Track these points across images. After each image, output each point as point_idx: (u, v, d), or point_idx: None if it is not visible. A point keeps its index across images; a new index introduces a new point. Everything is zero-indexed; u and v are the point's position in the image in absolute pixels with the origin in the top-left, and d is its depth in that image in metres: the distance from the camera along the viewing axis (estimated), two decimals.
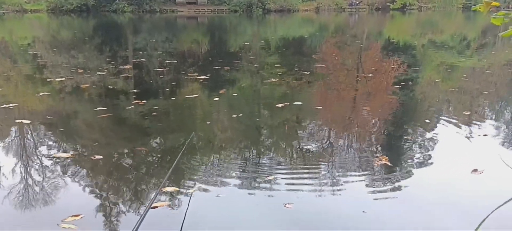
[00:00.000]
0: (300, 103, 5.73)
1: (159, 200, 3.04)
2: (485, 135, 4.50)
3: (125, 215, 2.92)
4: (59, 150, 4.09)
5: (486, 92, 6.65)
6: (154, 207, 2.92)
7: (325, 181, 3.38)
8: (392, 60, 10.17)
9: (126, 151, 4.05)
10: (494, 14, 2.36)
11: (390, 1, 39.50)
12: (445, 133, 4.65)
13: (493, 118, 5.37)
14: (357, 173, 3.54)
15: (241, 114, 5.17)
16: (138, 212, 2.94)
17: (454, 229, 2.67)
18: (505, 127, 4.91)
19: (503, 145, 4.27)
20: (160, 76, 7.78)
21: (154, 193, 3.10)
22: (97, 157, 3.81)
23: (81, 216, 2.83)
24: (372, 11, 37.81)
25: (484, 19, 26.45)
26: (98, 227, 2.76)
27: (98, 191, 3.25)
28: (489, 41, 15.93)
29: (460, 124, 4.91)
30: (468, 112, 5.36)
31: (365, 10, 37.84)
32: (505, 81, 8.04)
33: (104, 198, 3.15)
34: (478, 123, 4.98)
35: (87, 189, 3.29)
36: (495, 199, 2.97)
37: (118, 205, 3.04)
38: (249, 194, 3.17)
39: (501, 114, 5.68)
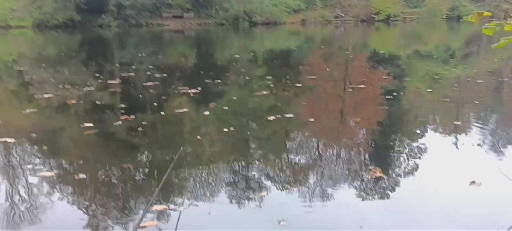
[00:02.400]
0: (291, 115, 5.68)
1: (148, 219, 2.93)
2: (478, 145, 4.50)
3: None
4: (43, 168, 3.94)
5: (476, 102, 6.69)
6: (142, 227, 2.82)
7: (319, 196, 3.31)
8: (379, 71, 10.21)
9: (113, 168, 3.94)
10: (486, 24, 2.35)
11: (375, 13, 39.91)
12: (438, 143, 4.64)
13: (483, 127, 5.38)
14: (352, 187, 3.49)
15: (232, 128, 5.09)
16: None
17: None
18: (495, 136, 4.92)
19: (497, 155, 4.26)
20: (149, 90, 7.68)
21: (143, 212, 3.01)
22: (82, 175, 3.68)
23: None
24: (357, 23, 38.14)
25: (467, 30, 26.87)
26: None
27: (84, 210, 3.13)
28: (472, 51, 16.15)
29: (451, 134, 4.91)
30: (459, 122, 5.37)
31: (350, 22, 38.16)
32: (490, 89, 8.10)
33: (91, 217, 3.03)
34: (469, 132, 4.98)
35: (73, 208, 3.17)
36: (494, 211, 2.95)
37: (105, 225, 2.93)
38: (242, 211, 3.10)
39: (490, 123, 5.69)
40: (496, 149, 4.48)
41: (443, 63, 12.15)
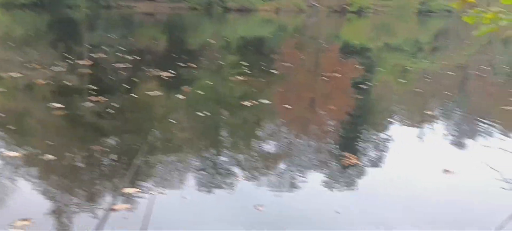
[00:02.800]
0: (266, 101, 5.65)
1: (119, 202, 2.84)
2: (450, 134, 4.59)
3: (81, 219, 2.69)
4: (9, 149, 3.79)
5: (447, 93, 6.83)
6: (113, 210, 2.73)
7: (296, 181, 3.30)
8: (351, 62, 10.30)
9: (82, 150, 3.81)
10: (468, 11, 2.37)
11: (347, 4, 40.19)
12: (410, 132, 4.73)
13: (453, 117, 5.50)
14: (328, 173, 3.49)
15: (207, 113, 5.03)
16: (96, 216, 2.70)
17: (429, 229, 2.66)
18: (465, 126, 5.04)
19: (469, 144, 4.36)
20: (121, 73, 7.48)
21: (114, 195, 2.92)
22: (50, 157, 3.55)
23: (31, 220, 2.60)
24: (330, 13, 38.35)
25: (436, 24, 27.42)
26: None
27: (50, 194, 3.01)
28: (441, 45, 16.49)
29: (423, 124, 4.99)
30: (430, 112, 5.47)
31: (323, 13, 38.32)
32: (460, 82, 8.30)
33: (57, 200, 2.91)
34: (441, 122, 5.09)
35: (39, 191, 3.05)
36: (466, 198, 3.01)
37: (73, 208, 2.81)
38: (217, 196, 3.03)
39: (460, 113, 5.83)
40: (470, 137, 4.59)
41: (412, 56, 12.36)
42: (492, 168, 2.84)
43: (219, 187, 3.17)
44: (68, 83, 6.52)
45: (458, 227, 2.65)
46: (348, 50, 13.52)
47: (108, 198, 2.92)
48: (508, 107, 5.61)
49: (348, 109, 5.72)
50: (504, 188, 3.05)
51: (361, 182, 3.34)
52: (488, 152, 3.65)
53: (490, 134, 4.67)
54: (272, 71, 8.27)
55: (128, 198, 2.91)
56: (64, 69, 7.57)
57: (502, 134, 4.67)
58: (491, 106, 6.38)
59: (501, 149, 3.04)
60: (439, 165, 3.56)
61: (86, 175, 3.34)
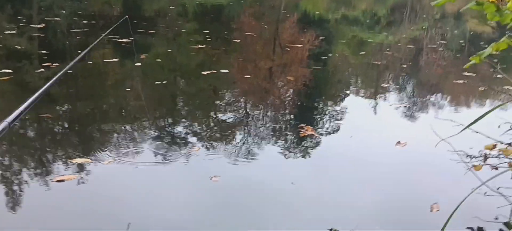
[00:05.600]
0: (226, 71, 5.60)
1: (68, 172, 2.75)
2: (404, 106, 4.72)
3: (28, 190, 2.58)
4: None
5: (403, 66, 7.00)
6: (60, 181, 2.64)
7: (252, 152, 3.29)
8: (309, 33, 10.34)
9: (31, 118, 3.65)
10: None
11: None
12: (366, 104, 4.82)
13: (408, 89, 5.66)
14: (284, 144, 3.51)
15: (165, 81, 4.93)
16: (46, 186, 2.61)
17: (377, 198, 2.72)
18: (420, 98, 5.20)
19: (422, 116, 4.50)
20: (75, 37, 7.19)
21: (63, 165, 2.83)
22: None
23: None
24: None
25: None
26: None
27: None
28: (397, 18, 16.81)
29: (378, 95, 5.11)
30: (386, 84, 5.61)
31: None
32: (412, 55, 8.51)
33: (5, 170, 2.80)
34: (396, 94, 5.22)
35: None
36: (417, 168, 3.12)
37: (21, 178, 2.70)
38: (173, 167, 2.97)
39: (415, 85, 6.01)
40: (422, 110, 4.74)
41: (370, 29, 12.55)
42: (443, 140, 2.94)
43: (174, 157, 3.11)
44: (18, 47, 6.20)
45: (407, 199, 2.75)
46: (307, 21, 13.54)
47: (57, 169, 2.82)
48: (459, 81, 5.82)
49: (306, 80, 5.76)
50: (453, 160, 3.16)
51: (316, 153, 3.38)
52: (439, 124, 3.77)
53: (441, 107, 4.84)
54: (231, 40, 8.19)
55: (79, 168, 2.82)
56: (15, 33, 7.19)
57: (453, 107, 4.86)
58: (444, 80, 6.60)
59: (452, 121, 3.14)
60: (391, 137, 3.65)
61: (35, 145, 3.22)
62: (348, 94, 5.20)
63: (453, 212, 1.87)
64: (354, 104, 4.79)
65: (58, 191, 2.55)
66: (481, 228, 2.36)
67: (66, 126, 3.58)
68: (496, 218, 2.44)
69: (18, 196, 2.52)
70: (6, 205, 2.41)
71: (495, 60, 5.61)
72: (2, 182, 2.64)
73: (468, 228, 2.36)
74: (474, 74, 6.03)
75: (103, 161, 2.94)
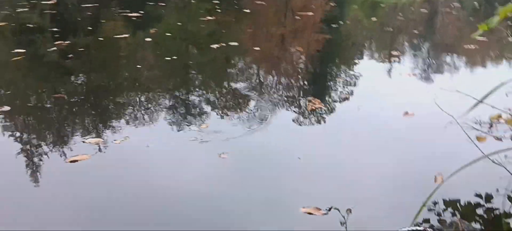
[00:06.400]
0: (235, 44, 5.59)
1: (81, 153, 2.81)
2: (413, 75, 4.68)
3: (42, 171, 2.67)
4: None
5: (414, 31, 6.89)
6: (74, 161, 2.72)
7: (260, 127, 3.34)
8: None
9: (45, 97, 3.75)
10: None
11: None
12: (376, 73, 4.78)
13: (420, 56, 5.58)
14: (291, 118, 3.54)
15: (174, 57, 4.95)
16: (58, 167, 2.70)
17: (381, 170, 2.75)
18: (431, 66, 5.14)
19: (431, 86, 4.46)
20: (86, 13, 7.21)
21: (76, 145, 2.91)
22: (6, 108, 3.45)
23: None
24: None
25: None
26: (10, 187, 2.51)
27: (13, 142, 2.98)
28: None
29: (389, 64, 5.06)
30: (396, 52, 5.54)
31: None
32: (426, 19, 8.34)
33: (22, 149, 2.90)
34: (406, 62, 5.17)
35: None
36: (424, 139, 3.11)
37: (37, 158, 2.80)
38: (182, 143, 3.04)
39: (427, 53, 5.92)
40: (432, 78, 4.69)
41: None
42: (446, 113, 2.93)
43: (182, 133, 3.18)
44: (29, 25, 6.27)
45: (411, 170, 2.78)
46: None
47: (70, 149, 2.90)
48: (470, 46, 5.71)
49: (317, 50, 5.73)
50: (459, 131, 3.15)
51: (324, 127, 3.42)
52: (447, 94, 3.74)
53: (451, 75, 4.79)
54: (242, 9, 8.13)
55: (91, 148, 2.90)
56: (26, 9, 7.26)
57: (463, 74, 4.80)
58: (455, 46, 6.48)
59: (458, 91, 3.11)
60: (400, 107, 3.65)
61: (49, 123, 3.32)
62: (358, 63, 5.17)
63: (449, 177, 1.88)
64: (364, 73, 4.75)
65: (72, 172, 2.65)
66: (488, 194, 2.35)
67: (78, 105, 3.66)
68: (497, 190, 2.45)
69: (35, 176, 2.62)
70: (21, 189, 2.50)
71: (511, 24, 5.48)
72: (16, 166, 2.73)
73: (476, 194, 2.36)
74: (486, 39, 5.88)
75: (115, 137, 3.03)
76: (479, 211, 2.33)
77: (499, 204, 2.33)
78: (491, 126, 3.16)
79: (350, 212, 1.79)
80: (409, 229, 1.77)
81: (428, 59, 5.56)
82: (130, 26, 6.46)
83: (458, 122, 2.90)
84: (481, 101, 2.20)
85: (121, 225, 2.18)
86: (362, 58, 5.46)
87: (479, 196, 2.42)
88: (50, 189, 2.50)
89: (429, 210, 2.27)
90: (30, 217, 2.22)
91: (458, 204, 2.34)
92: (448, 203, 2.33)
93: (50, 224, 2.17)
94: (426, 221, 2.18)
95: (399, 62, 5.21)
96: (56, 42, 5.27)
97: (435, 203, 2.30)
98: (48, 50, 5.06)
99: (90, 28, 6.19)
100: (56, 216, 2.23)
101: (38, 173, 2.64)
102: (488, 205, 2.36)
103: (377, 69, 5.00)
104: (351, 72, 4.79)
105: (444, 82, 4.53)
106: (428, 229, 1.83)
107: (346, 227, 1.76)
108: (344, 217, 1.77)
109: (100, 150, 2.89)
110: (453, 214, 2.27)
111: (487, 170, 2.57)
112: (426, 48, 6.29)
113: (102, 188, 2.49)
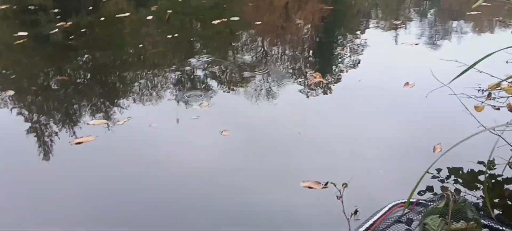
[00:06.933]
0: (237, 18, 5.55)
1: (84, 135, 2.88)
2: (416, 44, 4.64)
3: (46, 153, 2.75)
4: None
5: None
6: (79, 143, 2.79)
7: (260, 103, 3.37)
8: None
9: (48, 79, 3.80)
10: None
11: None
12: (377, 43, 4.75)
13: (418, 26, 5.50)
14: (292, 92, 3.55)
15: (176, 34, 4.95)
16: (62, 150, 2.76)
17: (381, 142, 2.78)
18: (435, 36, 5.08)
19: (433, 56, 4.42)
20: None
21: (79, 127, 2.97)
22: (11, 91, 3.53)
23: None
24: None
25: None
26: (13, 171, 2.58)
27: (21, 123, 3.05)
28: None
29: (392, 33, 5.02)
30: (398, 22, 5.48)
31: None
32: None
33: (29, 129, 2.97)
34: (409, 31, 5.11)
35: (8, 121, 3.10)
36: (422, 112, 3.14)
37: (43, 139, 2.88)
38: (184, 122, 3.08)
39: (425, 22, 5.84)
40: (434, 47, 4.65)
41: None
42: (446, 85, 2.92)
43: (184, 112, 3.23)
44: (31, 6, 6.27)
45: (410, 141, 2.80)
46: None
47: (75, 131, 2.97)
48: (474, 12, 5.62)
49: (318, 22, 5.69)
50: (458, 100, 3.15)
51: (324, 100, 3.43)
52: (446, 64, 3.72)
53: (452, 43, 4.75)
54: None
55: (95, 129, 2.96)
56: None
57: (460, 45, 4.75)
58: (460, 12, 6.38)
59: (456, 61, 3.10)
60: (400, 78, 3.64)
61: (53, 105, 3.37)
62: (359, 35, 5.11)
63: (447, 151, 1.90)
64: (366, 44, 4.71)
65: (77, 153, 2.71)
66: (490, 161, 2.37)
67: (81, 87, 3.70)
68: (493, 159, 2.47)
69: (42, 159, 2.70)
70: (29, 172, 2.57)
71: None
72: (22, 149, 2.81)
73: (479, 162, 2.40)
74: (489, 4, 5.77)
75: (118, 121, 3.08)
76: (481, 177, 2.34)
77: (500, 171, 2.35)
78: (489, 95, 3.15)
79: (346, 186, 1.83)
80: (404, 201, 1.81)
81: (431, 27, 5.50)
82: (130, 5, 6.42)
83: (455, 92, 2.89)
84: (472, 67, 2.19)
85: (128, 205, 2.24)
86: (364, 27, 5.40)
87: (482, 163, 2.43)
88: (55, 170, 2.57)
89: (433, 177, 2.30)
90: (36, 200, 2.29)
91: (460, 172, 2.38)
92: (451, 170, 2.36)
93: (56, 204, 2.23)
94: (430, 188, 2.22)
95: (401, 31, 5.15)
96: (58, 24, 5.28)
97: (438, 170, 2.34)
98: (51, 32, 5.08)
99: (91, 7, 6.18)
100: (61, 197, 2.30)
101: (47, 155, 2.72)
102: (491, 172, 2.38)
103: (379, 39, 4.96)
104: (353, 43, 4.76)
105: (445, 52, 4.50)
106: (421, 200, 1.86)
107: (342, 201, 1.80)
108: (340, 191, 1.81)
109: (103, 131, 2.94)
110: (455, 181, 2.30)
111: (487, 139, 2.59)
112: (429, 16, 6.20)
113: (107, 168, 2.56)
